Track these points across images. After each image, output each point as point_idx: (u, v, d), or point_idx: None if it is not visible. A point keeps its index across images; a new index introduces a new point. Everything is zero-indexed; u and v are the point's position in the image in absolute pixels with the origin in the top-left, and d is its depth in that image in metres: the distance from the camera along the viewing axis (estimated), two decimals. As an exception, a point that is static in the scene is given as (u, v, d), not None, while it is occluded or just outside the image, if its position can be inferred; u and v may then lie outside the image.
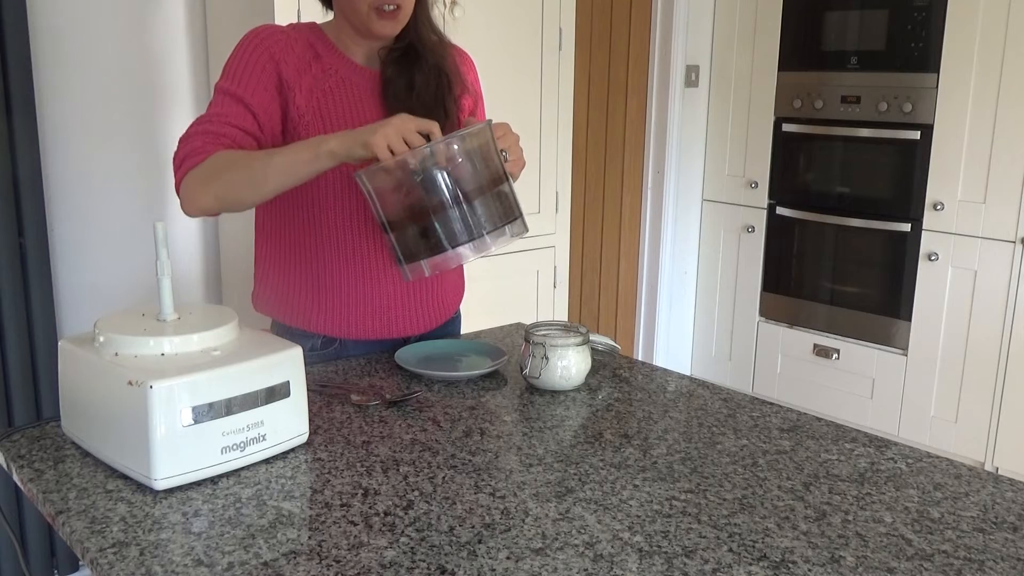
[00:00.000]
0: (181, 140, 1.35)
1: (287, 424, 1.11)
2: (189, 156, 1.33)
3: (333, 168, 1.30)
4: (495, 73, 2.66)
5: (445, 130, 1.45)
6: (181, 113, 2.45)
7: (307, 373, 1.14)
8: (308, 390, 1.15)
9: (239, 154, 1.31)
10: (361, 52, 1.47)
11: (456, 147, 1.27)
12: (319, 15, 1.52)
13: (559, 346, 1.35)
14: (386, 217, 1.31)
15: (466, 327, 1.71)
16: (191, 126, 1.36)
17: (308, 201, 1.44)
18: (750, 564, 0.89)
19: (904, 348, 3.12)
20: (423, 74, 1.45)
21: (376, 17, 1.39)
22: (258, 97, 1.37)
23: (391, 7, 1.38)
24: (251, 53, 1.38)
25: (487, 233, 1.29)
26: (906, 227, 3.05)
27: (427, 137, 1.25)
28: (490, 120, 1.34)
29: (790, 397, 3.45)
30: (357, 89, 1.45)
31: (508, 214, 1.32)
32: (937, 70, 2.91)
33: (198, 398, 1.01)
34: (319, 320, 1.48)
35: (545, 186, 2.90)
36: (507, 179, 1.34)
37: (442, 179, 1.26)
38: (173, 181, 1.37)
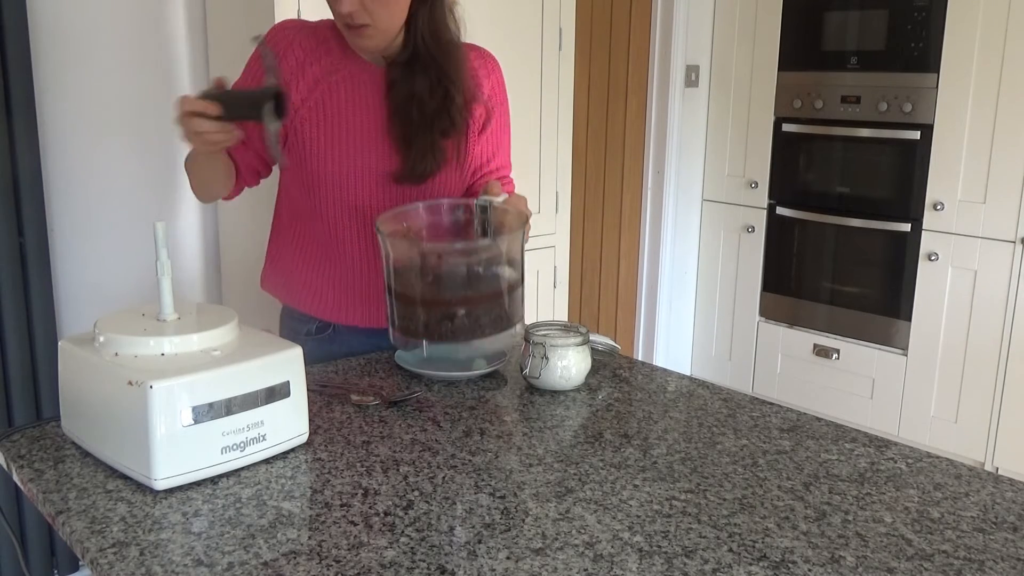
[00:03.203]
0: None
1: (287, 424, 1.11)
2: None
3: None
4: (495, 73, 2.66)
5: (451, 139, 1.44)
6: (181, 113, 2.45)
7: (307, 373, 1.14)
8: (308, 390, 1.15)
9: (193, 160, 1.45)
10: (373, 52, 1.46)
11: (486, 250, 1.23)
12: (323, 14, 1.52)
13: (559, 346, 1.35)
14: (396, 286, 1.25)
15: (466, 327, 1.71)
16: None
17: (308, 194, 1.48)
18: (750, 564, 0.89)
19: (904, 348, 3.12)
20: (426, 81, 1.42)
21: (347, 31, 1.38)
22: None
23: (357, 23, 1.35)
24: (256, 57, 1.45)
25: (489, 335, 1.24)
26: (906, 227, 3.05)
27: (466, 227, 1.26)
28: (528, 219, 1.28)
29: (790, 397, 3.45)
30: (364, 87, 1.45)
31: (516, 316, 1.27)
32: (937, 70, 2.91)
33: (198, 398, 1.01)
34: (312, 304, 1.54)
35: (545, 186, 2.90)
36: (523, 281, 1.30)
37: (462, 276, 1.21)
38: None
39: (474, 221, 1.34)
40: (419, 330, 1.22)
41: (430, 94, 1.42)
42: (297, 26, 1.47)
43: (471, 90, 1.47)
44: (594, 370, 1.46)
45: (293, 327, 1.58)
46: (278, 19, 2.13)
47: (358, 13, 1.33)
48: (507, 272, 1.24)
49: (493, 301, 1.22)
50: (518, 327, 1.27)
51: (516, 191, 1.59)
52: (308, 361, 1.55)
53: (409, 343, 1.24)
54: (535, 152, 2.83)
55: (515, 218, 1.31)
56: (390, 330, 1.28)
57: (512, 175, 1.66)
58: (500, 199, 1.32)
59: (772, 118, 3.38)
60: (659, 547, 0.92)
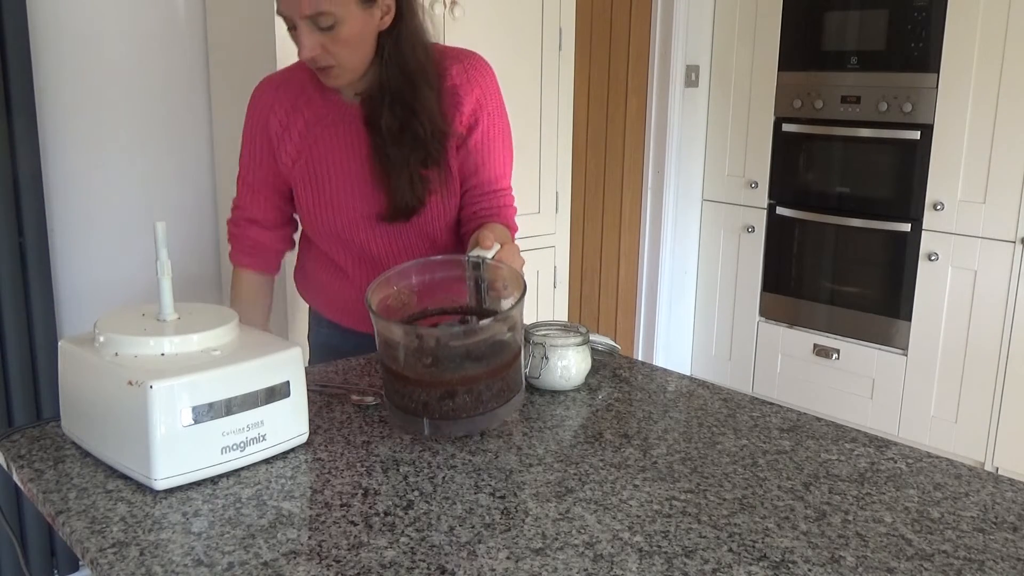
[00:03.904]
0: (228, 223, 1.60)
1: (287, 424, 1.11)
2: (230, 252, 1.60)
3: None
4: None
5: (432, 170, 1.40)
6: (180, 113, 2.45)
7: (307, 373, 1.14)
8: (308, 390, 1.15)
9: (235, 296, 1.61)
10: (349, 88, 1.43)
11: (487, 329, 1.16)
12: None
13: (559, 346, 1.35)
14: (391, 365, 1.17)
15: (466, 327, 1.71)
16: (231, 212, 1.58)
17: (317, 225, 1.53)
18: (750, 564, 0.89)
19: (904, 348, 3.12)
20: (393, 116, 1.37)
21: (316, 71, 1.36)
22: (262, 177, 1.52)
23: (321, 65, 1.33)
24: (247, 130, 1.50)
25: (492, 409, 1.16)
26: (906, 227, 3.05)
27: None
28: (525, 284, 1.21)
29: (790, 397, 3.45)
30: (346, 129, 1.43)
31: (518, 385, 1.21)
32: (937, 70, 2.91)
33: (198, 398, 1.01)
34: (325, 307, 1.66)
35: (545, 186, 2.90)
36: (523, 348, 1.22)
37: (461, 354, 1.14)
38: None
39: (466, 278, 1.28)
40: (418, 409, 1.16)
41: (400, 128, 1.38)
42: (273, 84, 1.47)
43: (437, 121, 1.39)
44: (594, 370, 1.46)
45: (316, 314, 1.72)
46: (277, 19, 2.12)
47: (320, 56, 1.31)
48: (508, 340, 1.18)
49: (495, 375, 1.16)
50: (520, 395, 1.22)
51: (515, 204, 1.54)
52: (323, 347, 1.65)
53: (407, 421, 1.18)
54: (535, 152, 2.83)
55: (511, 277, 1.24)
56: (387, 403, 1.21)
57: (512, 184, 1.57)
58: (492, 252, 1.26)
59: (772, 118, 3.38)
60: (659, 547, 0.92)
